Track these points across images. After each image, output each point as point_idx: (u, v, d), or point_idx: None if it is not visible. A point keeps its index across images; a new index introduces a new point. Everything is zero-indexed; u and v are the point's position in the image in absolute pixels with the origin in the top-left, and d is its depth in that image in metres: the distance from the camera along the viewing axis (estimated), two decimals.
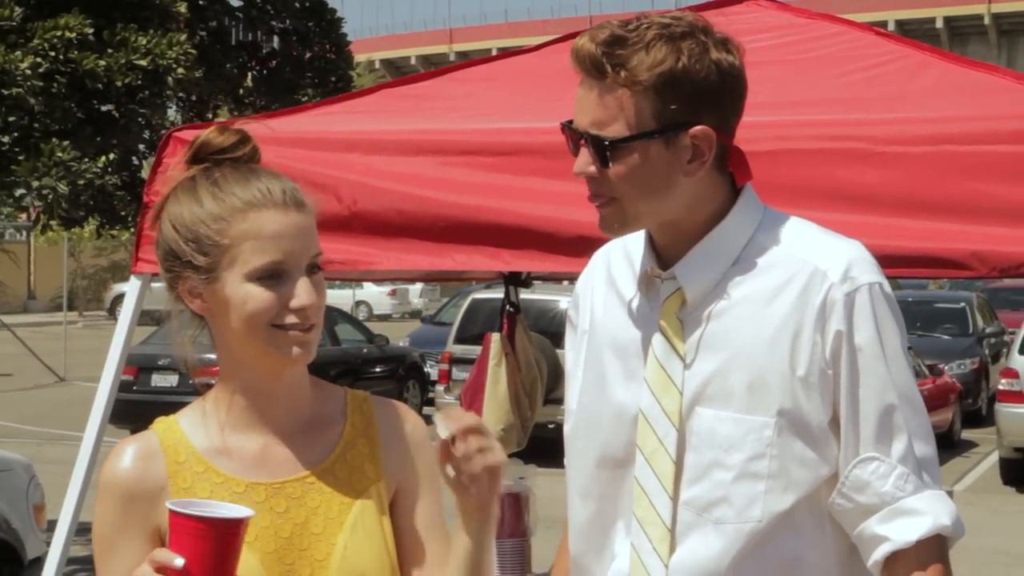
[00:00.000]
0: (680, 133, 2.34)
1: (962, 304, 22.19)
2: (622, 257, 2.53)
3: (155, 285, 3.73)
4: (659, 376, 2.40)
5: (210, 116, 11.51)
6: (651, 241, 2.46)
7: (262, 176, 2.19)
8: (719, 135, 2.35)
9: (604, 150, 2.34)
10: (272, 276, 2.13)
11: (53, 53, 9.22)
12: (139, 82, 9.49)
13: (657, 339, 2.42)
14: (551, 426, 13.94)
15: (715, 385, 2.37)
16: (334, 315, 19.66)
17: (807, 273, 2.35)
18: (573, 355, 2.59)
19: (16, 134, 9.71)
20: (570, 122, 2.40)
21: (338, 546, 2.17)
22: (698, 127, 2.34)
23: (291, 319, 2.13)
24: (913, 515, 2.34)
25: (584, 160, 2.37)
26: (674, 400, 2.39)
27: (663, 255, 2.45)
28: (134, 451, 2.20)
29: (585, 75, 2.36)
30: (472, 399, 4.79)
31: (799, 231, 2.43)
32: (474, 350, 11.97)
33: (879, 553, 2.36)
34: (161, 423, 2.26)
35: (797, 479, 2.35)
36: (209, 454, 2.21)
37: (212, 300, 2.17)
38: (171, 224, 2.18)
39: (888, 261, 3.37)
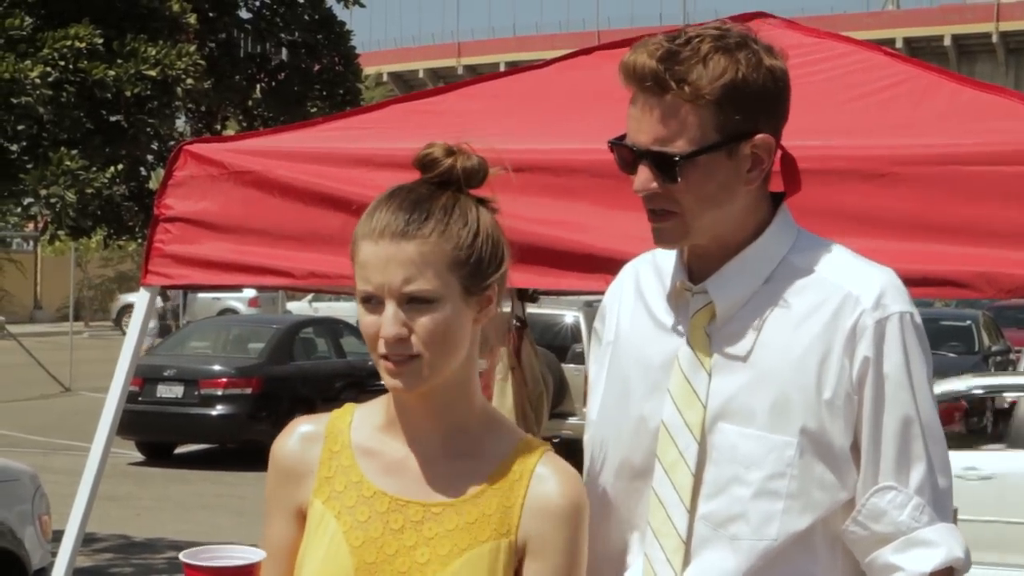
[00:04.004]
0: (742, 143, 2.35)
1: (968, 322, 22.17)
2: (652, 271, 2.53)
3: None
4: (684, 389, 2.40)
5: (219, 128, 11.55)
6: (682, 255, 2.47)
7: (402, 201, 2.20)
8: (777, 142, 2.39)
9: (672, 166, 2.32)
10: (368, 302, 2.17)
11: (63, 63, 9.25)
12: (148, 92, 9.52)
13: (684, 352, 2.42)
14: (556, 440, 13.97)
15: (739, 401, 2.37)
16: (339, 327, 19.68)
17: (839, 297, 2.35)
18: (596, 366, 2.60)
19: (25, 143, 9.74)
20: (620, 139, 2.39)
21: None
22: (759, 136, 2.36)
23: (383, 345, 2.15)
24: (928, 546, 2.34)
25: (646, 177, 2.36)
26: (697, 413, 2.39)
27: (694, 269, 2.45)
28: (302, 431, 2.29)
29: (641, 91, 2.35)
30: None
31: (832, 255, 2.43)
32: (479, 364, 11.97)
33: None
34: (341, 410, 2.31)
35: (816, 501, 2.35)
36: (359, 451, 2.25)
37: None
38: None
39: None
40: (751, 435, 2.36)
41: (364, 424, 2.28)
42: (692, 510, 2.39)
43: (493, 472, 2.21)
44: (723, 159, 2.34)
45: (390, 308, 2.14)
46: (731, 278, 2.40)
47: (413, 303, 2.14)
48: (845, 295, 2.35)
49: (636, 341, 2.50)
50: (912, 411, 2.35)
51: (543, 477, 2.21)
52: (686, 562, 2.39)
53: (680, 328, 2.44)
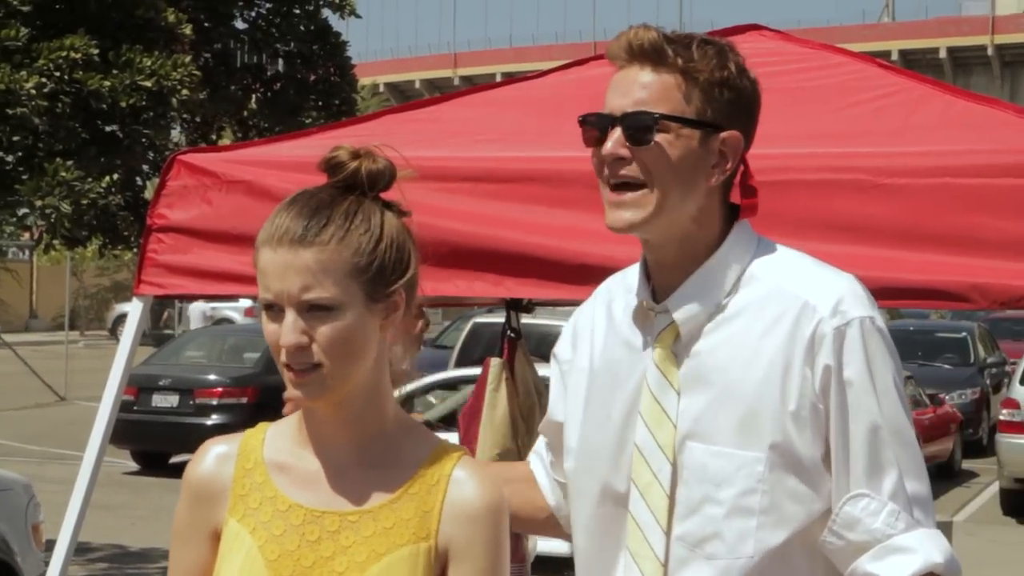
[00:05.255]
0: (714, 135, 2.37)
1: (963, 334, 22.18)
2: (622, 292, 2.52)
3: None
4: (653, 410, 2.39)
5: (214, 138, 11.55)
6: (646, 273, 2.46)
7: (302, 208, 2.16)
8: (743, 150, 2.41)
9: (648, 127, 2.35)
10: (270, 310, 2.14)
11: (58, 73, 9.25)
12: (143, 103, 9.53)
13: (652, 372, 2.41)
14: None
15: (707, 420, 2.36)
16: None
17: (797, 308, 2.35)
18: (571, 392, 2.56)
19: (20, 153, 9.74)
20: (591, 114, 2.41)
21: None
22: (730, 132, 2.38)
23: (285, 354, 2.13)
24: (904, 553, 2.31)
25: (616, 141, 2.37)
26: (668, 434, 2.38)
27: (657, 287, 2.45)
28: (215, 452, 2.25)
29: (633, 62, 2.39)
30: (470, 423, 4.78)
31: (791, 264, 2.43)
32: (475, 374, 11.98)
33: None
34: (256, 427, 2.28)
35: (789, 514, 2.34)
36: (272, 466, 2.21)
37: None
38: None
39: (888, 293, 3.37)
40: (720, 453, 2.35)
41: (277, 440, 2.24)
42: (668, 531, 2.38)
43: (410, 478, 2.17)
44: (695, 142, 2.37)
45: (290, 316, 2.11)
46: (692, 295, 2.40)
47: (313, 311, 2.11)
48: (803, 305, 2.35)
49: (611, 365, 2.49)
50: (878, 417, 2.33)
51: (460, 481, 2.17)
52: None
53: (648, 348, 2.43)
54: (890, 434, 2.34)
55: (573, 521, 2.56)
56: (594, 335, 2.54)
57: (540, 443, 2.76)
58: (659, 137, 2.35)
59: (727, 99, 2.38)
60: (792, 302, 2.35)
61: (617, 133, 2.37)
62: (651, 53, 2.37)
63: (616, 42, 2.41)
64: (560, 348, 2.63)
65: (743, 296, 2.38)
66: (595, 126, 2.41)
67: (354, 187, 2.18)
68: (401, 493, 2.17)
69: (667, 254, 2.43)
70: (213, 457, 2.24)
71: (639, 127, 2.36)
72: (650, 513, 2.38)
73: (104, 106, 9.49)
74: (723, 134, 2.38)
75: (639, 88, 2.38)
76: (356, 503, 2.16)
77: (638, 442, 2.40)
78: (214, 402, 16.97)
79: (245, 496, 2.19)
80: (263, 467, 2.21)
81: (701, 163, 2.38)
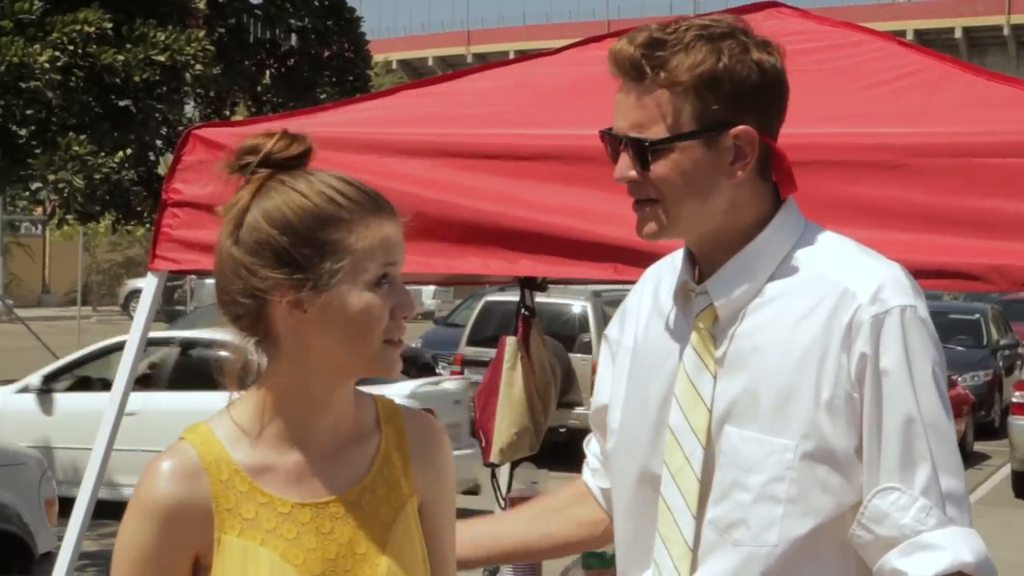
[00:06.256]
0: (721, 134, 2.31)
1: (977, 316, 22.15)
2: (670, 272, 2.49)
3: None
4: (688, 392, 2.36)
5: (227, 113, 11.55)
6: (690, 253, 2.43)
7: (361, 184, 2.13)
8: (761, 136, 2.33)
9: (644, 152, 2.31)
10: (385, 283, 2.09)
11: (72, 47, 9.25)
12: (157, 78, 9.53)
13: (688, 354, 2.37)
14: (563, 430, 13.96)
15: (741, 404, 2.32)
16: None
17: (836, 294, 2.29)
18: (613, 372, 2.55)
19: (33, 127, 9.75)
20: (609, 130, 2.38)
21: (382, 567, 2.12)
22: (739, 127, 2.31)
23: (396, 329, 2.10)
24: (933, 550, 2.24)
25: (624, 164, 2.34)
26: (702, 417, 2.34)
27: (701, 267, 2.41)
28: (174, 469, 2.08)
29: (624, 78, 2.34)
30: (486, 402, 4.77)
31: (834, 250, 2.37)
32: (486, 352, 11.99)
33: None
34: (195, 435, 2.12)
35: (818, 505, 2.29)
36: (251, 471, 2.11)
37: (319, 309, 2.06)
38: (276, 229, 2.07)
39: None
40: (751, 438, 2.31)
41: (238, 443, 2.12)
42: (699, 516, 2.34)
43: (379, 443, 2.20)
44: (700, 149, 2.31)
45: (404, 287, 2.12)
46: (731, 278, 2.35)
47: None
48: (843, 291, 2.29)
49: (652, 346, 2.46)
50: (913, 408, 2.26)
51: (414, 432, 2.23)
52: (693, 568, 2.34)
53: (687, 329, 2.40)
54: (925, 427, 2.27)
55: (614, 504, 2.54)
56: (639, 315, 2.51)
57: (591, 451, 2.73)
58: (659, 160, 2.31)
59: (727, 92, 2.30)
60: (832, 288, 2.30)
61: (624, 157, 2.35)
62: (632, 71, 2.32)
63: (608, 52, 2.37)
64: (611, 329, 2.61)
65: (783, 281, 2.33)
66: (608, 143, 2.39)
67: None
68: (379, 459, 2.19)
69: (704, 246, 2.39)
70: (178, 476, 2.08)
71: (637, 154, 2.32)
72: (681, 497, 2.34)
73: (117, 80, 9.49)
74: (733, 130, 2.31)
75: (632, 110, 2.33)
76: (349, 483, 2.16)
77: (672, 424, 2.37)
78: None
79: (234, 509, 2.09)
80: (242, 475, 2.10)
81: (715, 166, 2.32)
